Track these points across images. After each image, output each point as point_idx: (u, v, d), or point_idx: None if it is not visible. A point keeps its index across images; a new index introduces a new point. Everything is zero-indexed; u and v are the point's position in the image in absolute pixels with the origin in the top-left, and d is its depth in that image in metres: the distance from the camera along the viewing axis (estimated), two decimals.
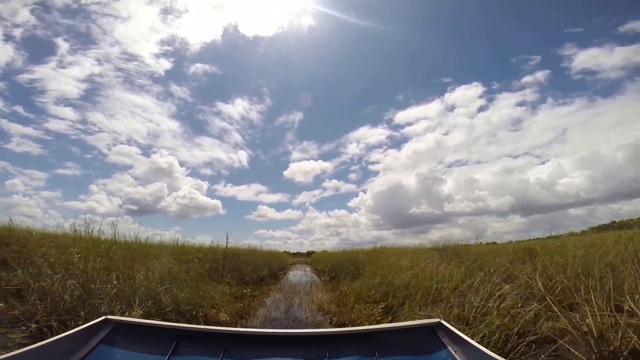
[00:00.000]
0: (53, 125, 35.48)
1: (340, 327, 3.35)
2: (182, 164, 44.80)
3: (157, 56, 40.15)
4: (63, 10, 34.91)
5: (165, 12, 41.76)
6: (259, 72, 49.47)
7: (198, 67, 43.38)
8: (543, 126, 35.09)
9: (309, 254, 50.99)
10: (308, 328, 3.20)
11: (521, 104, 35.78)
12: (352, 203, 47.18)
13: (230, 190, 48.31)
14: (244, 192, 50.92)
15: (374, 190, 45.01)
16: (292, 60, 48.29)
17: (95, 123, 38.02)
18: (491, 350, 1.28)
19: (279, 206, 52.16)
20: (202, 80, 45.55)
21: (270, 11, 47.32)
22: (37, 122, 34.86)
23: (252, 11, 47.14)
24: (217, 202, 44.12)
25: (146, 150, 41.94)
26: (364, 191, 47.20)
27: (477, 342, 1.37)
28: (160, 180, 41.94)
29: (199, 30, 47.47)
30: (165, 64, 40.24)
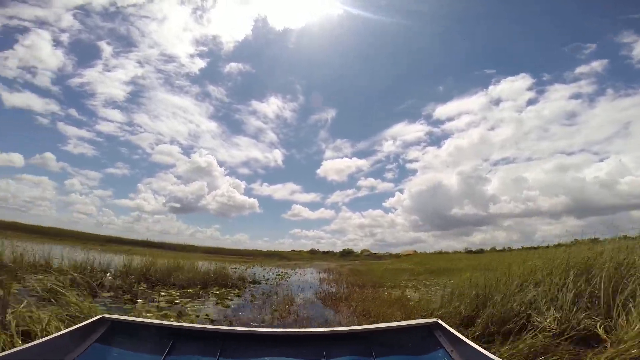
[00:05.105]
0: (103, 127, 38.14)
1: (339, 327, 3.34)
2: (220, 163, 45.90)
3: (192, 56, 41.01)
4: (102, 13, 36.05)
5: (196, 10, 43.33)
6: (290, 68, 50.44)
7: (232, 67, 45.34)
8: (602, 120, 31.52)
9: (347, 253, 45.20)
10: (305, 328, 3.19)
11: (576, 96, 32.60)
12: (388, 203, 46.04)
13: (266, 189, 49.22)
14: (280, 191, 51.92)
15: (412, 190, 43.07)
16: (322, 54, 47.33)
17: (140, 125, 39.96)
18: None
19: (312, 205, 52.29)
20: (237, 80, 47.12)
21: (299, 1, 46.31)
22: (89, 125, 36.79)
23: (280, 3, 46.81)
24: (254, 201, 45.56)
25: (187, 150, 42.84)
26: (401, 191, 45.76)
27: (472, 341, 1.38)
28: (201, 179, 42.92)
29: (230, 26, 48.66)
30: (200, 63, 40.90)
